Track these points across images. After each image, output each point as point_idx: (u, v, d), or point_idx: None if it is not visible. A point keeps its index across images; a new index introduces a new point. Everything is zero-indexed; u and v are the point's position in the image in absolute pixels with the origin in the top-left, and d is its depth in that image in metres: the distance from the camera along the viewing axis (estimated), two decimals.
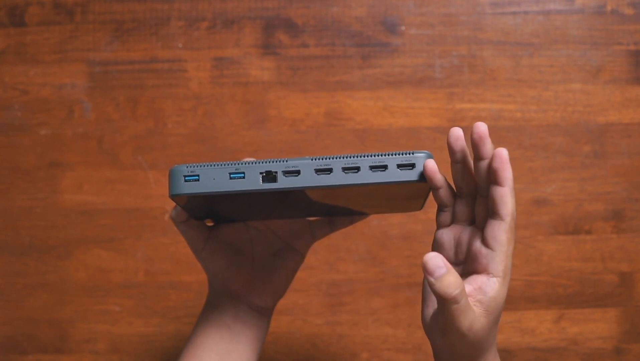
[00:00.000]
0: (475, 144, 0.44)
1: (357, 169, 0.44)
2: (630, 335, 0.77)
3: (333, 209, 0.53)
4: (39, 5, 0.81)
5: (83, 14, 0.81)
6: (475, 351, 0.44)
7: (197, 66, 0.80)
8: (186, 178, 0.44)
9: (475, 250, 0.44)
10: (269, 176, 0.44)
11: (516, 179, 0.78)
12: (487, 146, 0.44)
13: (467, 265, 0.45)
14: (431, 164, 0.44)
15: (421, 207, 0.54)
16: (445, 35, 0.80)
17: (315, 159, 0.43)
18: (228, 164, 0.44)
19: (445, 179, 0.46)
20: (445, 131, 0.79)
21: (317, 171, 0.43)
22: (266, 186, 0.44)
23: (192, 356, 0.54)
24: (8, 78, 0.81)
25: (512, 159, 0.79)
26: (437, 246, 0.48)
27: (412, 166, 0.44)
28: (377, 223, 0.79)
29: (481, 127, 0.43)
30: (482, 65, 0.80)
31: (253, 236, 0.57)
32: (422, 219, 0.79)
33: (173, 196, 0.44)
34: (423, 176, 0.44)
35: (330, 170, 0.43)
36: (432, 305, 0.47)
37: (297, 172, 0.43)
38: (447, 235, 0.47)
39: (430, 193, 0.48)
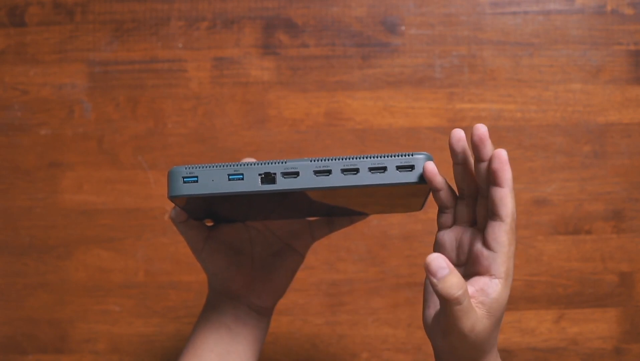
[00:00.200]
0: (475, 146, 0.44)
1: (356, 170, 0.43)
2: (630, 335, 0.77)
3: (332, 210, 0.53)
4: (39, 5, 0.81)
5: (83, 14, 0.81)
6: (476, 352, 0.44)
7: (197, 66, 0.80)
8: (185, 180, 0.44)
9: (476, 252, 0.44)
10: (268, 178, 0.44)
11: (516, 179, 0.78)
12: (487, 148, 0.44)
13: (468, 267, 0.45)
14: (430, 167, 0.44)
15: (421, 207, 0.54)
16: (445, 35, 0.80)
17: (314, 161, 0.43)
18: (227, 166, 0.44)
19: (446, 181, 0.46)
20: (446, 131, 0.79)
21: (316, 172, 0.43)
22: (265, 188, 0.43)
23: (191, 357, 0.54)
24: (8, 78, 0.81)
25: (512, 159, 0.79)
26: (438, 248, 0.48)
27: (412, 167, 0.44)
28: (377, 223, 0.79)
29: (481, 129, 0.43)
30: (482, 65, 0.80)
31: (252, 237, 0.57)
32: (422, 219, 0.79)
33: (172, 198, 0.44)
34: (422, 178, 0.44)
35: (329, 172, 0.43)
36: (434, 305, 0.47)
37: (296, 174, 0.43)
38: (449, 236, 0.47)
39: (431, 194, 0.48)
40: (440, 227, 0.48)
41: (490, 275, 0.43)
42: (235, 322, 0.55)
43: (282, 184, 0.43)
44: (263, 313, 0.57)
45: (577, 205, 0.78)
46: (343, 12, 0.81)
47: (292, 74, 0.80)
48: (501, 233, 0.43)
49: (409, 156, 0.44)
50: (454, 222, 0.47)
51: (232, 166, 0.44)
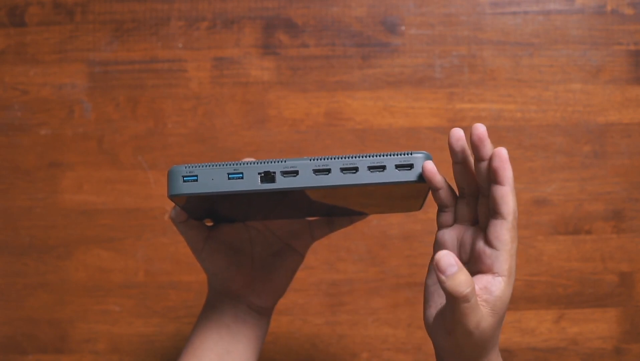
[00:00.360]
0: (474, 146, 0.44)
1: (356, 169, 0.43)
2: (630, 335, 0.77)
3: (332, 209, 0.53)
4: (39, 5, 0.81)
5: (83, 14, 0.81)
6: (480, 350, 0.44)
7: (197, 66, 0.80)
8: (185, 179, 0.44)
9: (479, 250, 0.44)
10: (268, 177, 0.44)
11: (516, 179, 0.78)
12: (487, 147, 0.44)
13: (471, 265, 0.45)
14: (430, 166, 0.44)
15: (420, 207, 0.54)
16: (445, 35, 0.80)
17: (314, 160, 0.43)
18: (226, 165, 0.44)
19: (445, 180, 0.46)
20: (446, 131, 0.79)
21: (316, 171, 0.43)
22: (264, 187, 0.44)
23: (191, 356, 0.54)
24: (8, 78, 0.81)
25: (512, 159, 0.79)
26: (438, 247, 0.48)
27: (411, 166, 0.44)
28: (377, 223, 0.79)
29: (480, 129, 0.43)
30: (482, 65, 0.80)
31: (252, 236, 0.57)
32: (422, 219, 0.79)
33: (172, 197, 0.44)
34: (421, 177, 0.44)
35: (328, 170, 0.43)
36: (435, 305, 0.47)
37: (296, 173, 0.43)
38: (449, 235, 0.47)
39: (430, 193, 0.48)
40: (440, 226, 0.48)
41: (493, 273, 0.43)
42: (235, 322, 0.55)
43: (281, 183, 0.43)
44: (263, 313, 0.57)
45: (577, 205, 0.78)
46: (343, 12, 0.81)
47: (292, 74, 0.80)
48: (503, 231, 0.43)
49: (407, 154, 0.44)
50: (455, 221, 0.47)
51: (231, 165, 0.44)
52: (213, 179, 0.44)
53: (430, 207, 0.78)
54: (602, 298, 0.78)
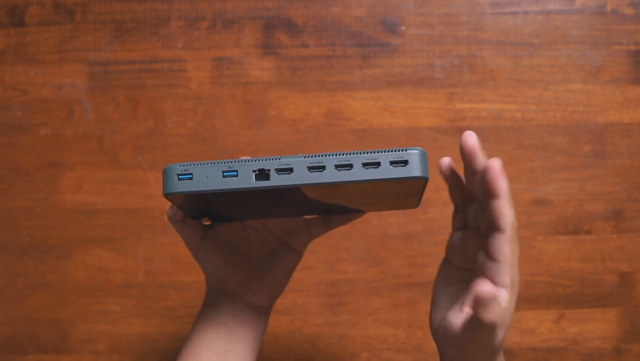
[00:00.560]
0: (466, 159, 0.43)
1: (350, 166, 0.43)
2: (630, 335, 0.77)
3: (329, 207, 0.53)
4: (39, 5, 0.81)
5: (83, 14, 0.81)
6: (487, 359, 0.44)
7: (197, 66, 0.80)
8: (179, 177, 0.44)
9: (480, 261, 0.44)
10: (262, 174, 0.44)
11: (516, 179, 0.78)
12: (479, 160, 0.43)
13: (474, 273, 0.45)
14: (446, 162, 0.46)
15: (417, 204, 0.54)
16: (445, 35, 0.80)
17: (308, 157, 0.43)
18: (221, 163, 0.44)
19: (455, 179, 0.46)
20: (446, 131, 0.79)
21: (310, 168, 0.43)
22: (259, 184, 0.43)
23: (190, 356, 0.54)
24: (8, 78, 0.81)
25: (512, 159, 0.79)
26: (449, 248, 0.48)
27: (405, 162, 0.43)
28: (377, 223, 0.79)
29: (470, 141, 0.43)
30: (482, 65, 0.80)
31: (250, 235, 0.57)
32: (422, 219, 0.79)
33: (167, 195, 0.44)
34: (416, 173, 0.44)
35: (322, 167, 0.43)
36: (442, 310, 0.47)
37: (290, 170, 0.43)
38: (459, 239, 0.47)
39: (426, 191, 0.48)
40: (453, 227, 0.48)
41: (496, 285, 0.43)
42: (233, 321, 0.55)
43: (276, 180, 0.43)
44: (261, 312, 0.57)
45: (577, 205, 0.78)
46: (343, 12, 0.81)
47: (292, 74, 0.80)
48: (502, 244, 0.42)
49: (402, 151, 0.43)
50: (465, 224, 0.47)
51: (226, 163, 0.44)
52: (208, 177, 0.44)
53: (430, 207, 0.78)
54: (602, 298, 0.78)
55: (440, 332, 0.46)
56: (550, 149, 0.79)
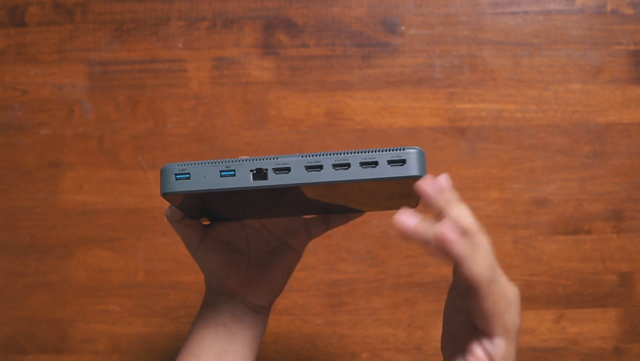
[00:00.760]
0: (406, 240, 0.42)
1: (348, 165, 0.43)
2: (630, 335, 0.77)
3: (328, 207, 0.53)
4: (39, 5, 0.81)
5: (83, 14, 0.81)
6: None
7: (197, 66, 0.80)
8: (177, 176, 0.44)
9: (471, 313, 0.42)
10: (260, 174, 0.44)
11: (516, 179, 0.79)
12: (421, 238, 0.40)
13: (469, 320, 0.44)
14: (425, 184, 0.41)
15: (416, 204, 0.54)
16: (445, 35, 0.80)
17: (306, 156, 0.43)
18: (219, 162, 0.44)
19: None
20: (446, 131, 0.79)
21: (308, 168, 0.43)
22: (257, 184, 0.43)
23: (189, 356, 0.54)
24: (8, 78, 0.81)
25: (512, 159, 0.79)
26: (454, 275, 0.47)
27: (403, 162, 0.43)
28: (377, 223, 0.79)
29: (401, 227, 0.40)
30: (482, 65, 0.80)
31: (249, 235, 0.57)
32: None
33: (164, 195, 0.44)
34: (414, 172, 0.43)
35: (320, 167, 0.43)
36: (450, 344, 0.46)
37: (288, 170, 0.43)
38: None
39: None
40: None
41: (490, 335, 0.42)
42: (232, 321, 0.55)
43: (273, 180, 0.43)
44: (260, 312, 0.57)
45: (577, 205, 0.78)
46: (343, 12, 0.81)
47: (292, 74, 0.80)
48: (479, 303, 0.41)
49: (400, 150, 0.43)
50: None
51: (223, 163, 0.44)
52: (205, 177, 0.44)
53: (431, 207, 0.78)
54: (602, 298, 0.78)
55: (450, 357, 0.45)
56: (550, 149, 0.79)
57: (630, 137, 0.79)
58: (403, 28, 0.80)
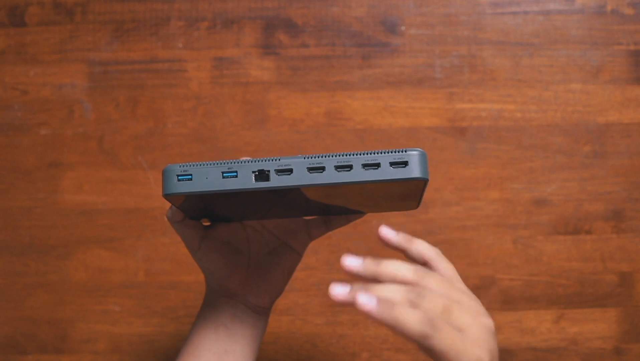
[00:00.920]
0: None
1: (350, 167, 0.43)
2: (630, 335, 0.77)
3: (329, 208, 0.53)
4: (39, 5, 0.81)
5: (83, 14, 0.81)
6: None
7: (197, 66, 0.80)
8: (179, 178, 0.44)
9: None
10: (262, 175, 0.44)
11: (516, 179, 0.79)
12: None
13: None
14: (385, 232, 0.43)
15: (417, 205, 0.54)
16: (445, 35, 0.80)
17: (308, 158, 0.43)
18: (221, 163, 0.44)
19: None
20: (446, 131, 0.79)
21: (310, 169, 0.43)
22: (259, 185, 0.43)
23: (189, 356, 0.54)
24: (8, 78, 0.81)
25: (512, 159, 0.79)
26: None
27: (405, 164, 0.43)
28: (378, 224, 0.79)
29: (333, 296, 0.40)
30: (482, 65, 0.80)
31: (249, 235, 0.57)
32: (423, 219, 0.79)
33: (166, 196, 0.44)
34: (416, 174, 0.44)
35: (322, 168, 0.43)
36: None
37: (290, 171, 0.43)
38: None
39: (426, 191, 0.47)
40: None
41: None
42: (232, 321, 0.55)
43: (275, 181, 0.43)
44: (261, 312, 0.57)
45: (577, 205, 0.78)
46: (343, 12, 0.81)
47: (292, 74, 0.80)
48: (430, 354, 0.40)
49: (402, 152, 0.43)
50: None
51: (225, 164, 0.44)
52: (207, 178, 0.44)
53: (431, 207, 0.78)
54: (602, 298, 0.78)
55: None
56: (550, 149, 0.79)
57: (630, 137, 0.79)
58: (403, 28, 0.80)
